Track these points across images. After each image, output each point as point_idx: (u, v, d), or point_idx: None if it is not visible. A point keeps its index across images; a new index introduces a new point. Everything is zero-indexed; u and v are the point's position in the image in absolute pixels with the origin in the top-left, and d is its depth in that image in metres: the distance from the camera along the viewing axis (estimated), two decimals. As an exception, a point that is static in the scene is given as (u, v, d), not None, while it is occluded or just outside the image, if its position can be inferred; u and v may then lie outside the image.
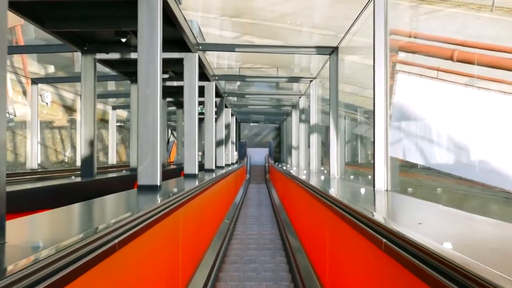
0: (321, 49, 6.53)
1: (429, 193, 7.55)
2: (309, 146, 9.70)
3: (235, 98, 14.51)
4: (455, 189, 7.69)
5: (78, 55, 6.36)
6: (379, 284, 1.99)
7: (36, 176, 7.80)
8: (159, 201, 2.74)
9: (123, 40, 5.48)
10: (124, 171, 9.47)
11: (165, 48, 4.36)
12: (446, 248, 1.30)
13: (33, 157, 9.77)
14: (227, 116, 13.69)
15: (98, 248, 1.54)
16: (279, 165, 16.39)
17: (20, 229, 1.87)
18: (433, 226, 1.97)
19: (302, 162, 11.33)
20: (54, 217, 2.21)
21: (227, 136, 13.73)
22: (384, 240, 1.69)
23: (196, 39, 6.09)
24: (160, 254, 2.77)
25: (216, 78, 8.94)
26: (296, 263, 5.31)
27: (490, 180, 7.21)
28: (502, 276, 1.05)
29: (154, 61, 3.59)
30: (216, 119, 10.15)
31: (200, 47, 6.36)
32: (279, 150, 26.70)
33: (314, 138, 8.91)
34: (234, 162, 18.54)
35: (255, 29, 11.23)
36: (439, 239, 1.39)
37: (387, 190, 3.63)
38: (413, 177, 8.24)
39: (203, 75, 7.93)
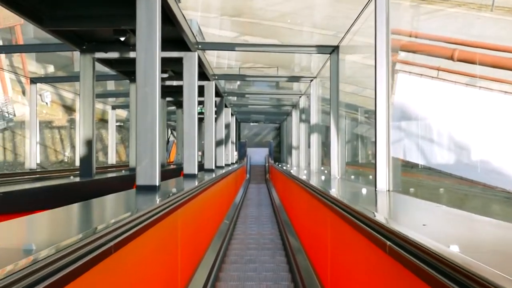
0: (321, 48, 6.49)
1: (430, 193, 7.52)
2: (309, 146, 9.67)
3: (235, 98, 14.47)
4: (456, 189, 7.67)
5: (77, 54, 6.32)
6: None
7: (34, 176, 7.76)
8: (157, 202, 2.70)
9: (122, 39, 5.44)
10: (123, 171, 9.43)
11: (164, 47, 4.32)
12: (453, 251, 1.26)
13: (31, 157, 9.73)
14: (227, 115, 13.65)
15: (92, 251, 1.50)
16: (279, 165, 16.36)
17: (15, 230, 1.83)
18: (437, 228, 1.92)
19: (302, 162, 11.30)
20: (49, 218, 2.17)
21: (227, 136, 13.69)
22: (389, 242, 1.65)
23: (195, 38, 6.05)
24: (158, 255, 2.73)
25: (216, 77, 8.90)
26: (296, 263, 5.29)
27: (491, 180, 7.18)
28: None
29: (153, 60, 3.55)
30: (216, 119, 10.12)
31: (200, 46, 6.32)
32: (279, 150, 26.67)
33: (315, 138, 8.87)
34: (234, 162, 18.50)
35: (255, 29, 11.20)
36: (446, 242, 1.35)
37: (389, 191, 3.59)
38: (413, 177, 8.21)
39: (203, 75, 7.89)
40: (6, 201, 4.24)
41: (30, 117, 10.04)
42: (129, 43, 5.87)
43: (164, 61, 4.69)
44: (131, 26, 5.00)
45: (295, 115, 14.36)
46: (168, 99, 11.43)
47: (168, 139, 21.69)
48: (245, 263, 5.98)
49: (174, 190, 3.44)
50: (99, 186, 6.23)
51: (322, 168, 8.59)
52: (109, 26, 5.28)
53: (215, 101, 9.73)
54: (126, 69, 7.76)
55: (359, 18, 5.09)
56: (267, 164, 24.42)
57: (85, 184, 6.01)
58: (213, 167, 8.65)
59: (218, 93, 10.23)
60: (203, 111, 8.87)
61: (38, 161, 11.04)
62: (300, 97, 12.20)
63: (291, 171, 9.52)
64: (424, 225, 1.80)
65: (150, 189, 3.47)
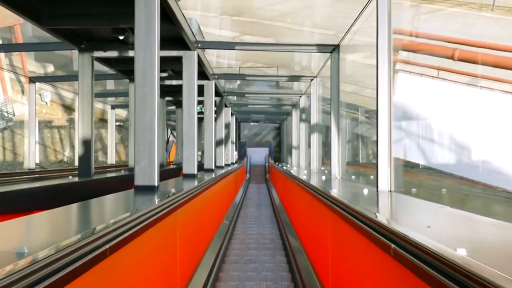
0: (322, 47, 6.46)
1: (431, 193, 7.48)
2: (309, 146, 9.63)
3: (235, 97, 14.43)
4: (457, 189, 7.64)
5: (76, 53, 6.28)
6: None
7: (32, 176, 7.72)
8: (155, 203, 2.66)
9: (121, 37, 5.40)
10: (122, 171, 9.40)
11: (164, 46, 4.28)
12: (461, 254, 1.21)
13: (30, 156, 9.69)
14: (226, 115, 13.61)
15: (87, 254, 1.46)
16: (279, 165, 16.32)
17: (10, 231, 1.79)
18: (442, 230, 1.88)
19: (302, 162, 11.26)
20: (45, 219, 2.13)
21: (227, 136, 13.66)
22: (393, 245, 1.61)
23: (195, 37, 6.01)
24: (156, 257, 2.69)
25: (216, 76, 8.86)
26: (296, 263, 5.26)
27: (492, 180, 7.15)
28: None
29: (151, 59, 3.51)
30: (215, 119, 10.08)
31: (199, 45, 6.27)
32: (279, 149, 26.63)
33: (315, 138, 8.83)
34: (234, 162, 18.46)
35: (255, 28, 11.16)
36: (453, 244, 1.31)
37: (390, 191, 3.55)
38: (414, 177, 8.18)
39: (203, 74, 7.86)
40: (4, 201, 4.21)
41: (28, 117, 9.99)
42: (128, 42, 5.83)
43: (164, 60, 4.66)
44: (130, 25, 4.94)
45: (295, 115, 14.31)
46: (167, 98, 11.39)
47: (168, 139, 21.66)
48: (245, 263, 5.96)
49: (173, 190, 3.40)
50: (98, 186, 6.19)
51: (323, 168, 8.55)
52: (108, 25, 5.24)
53: (215, 101, 9.69)
54: (125, 68, 7.72)
55: (361, 16, 5.05)
56: (267, 164, 24.38)
57: (83, 184, 5.96)
58: (213, 167, 8.61)
59: (218, 93, 10.19)
60: (202, 110, 8.83)
61: (37, 161, 11.00)
62: (300, 96, 12.15)
63: (291, 171, 9.49)
64: (428, 227, 1.76)
65: (149, 190, 3.42)
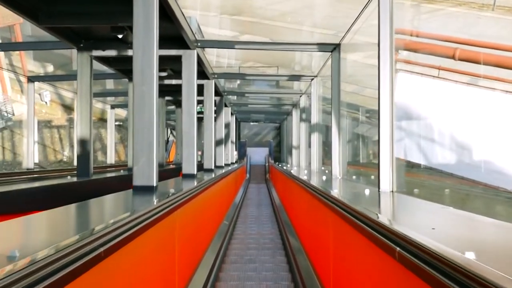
0: (322, 46, 6.42)
1: (432, 193, 7.45)
2: (309, 146, 9.59)
3: (235, 97, 14.39)
4: (458, 189, 7.60)
5: (75, 52, 6.24)
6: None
7: (31, 176, 7.68)
8: (154, 203, 2.62)
9: (120, 36, 5.35)
10: (122, 171, 9.36)
11: (163, 45, 4.24)
12: (470, 257, 1.17)
13: (29, 156, 9.64)
14: (226, 115, 13.57)
15: (83, 256, 1.42)
16: (279, 165, 16.28)
17: (7, 232, 1.75)
18: (447, 232, 1.84)
19: (302, 162, 11.22)
20: (40, 220, 2.09)
21: (227, 136, 13.62)
22: (398, 248, 1.56)
23: (194, 36, 5.97)
24: (153, 258, 2.65)
25: (216, 76, 8.82)
26: (296, 263, 5.24)
27: (493, 180, 7.12)
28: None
29: (150, 57, 3.46)
30: (215, 118, 10.04)
31: (199, 44, 6.23)
32: (279, 149, 26.58)
33: (315, 138, 8.79)
34: (234, 161, 18.43)
35: (255, 28, 11.12)
36: (461, 248, 1.27)
37: (392, 191, 3.51)
38: (415, 177, 8.15)
39: (202, 73, 7.82)
40: (3, 201, 4.17)
41: (27, 116, 9.95)
42: (127, 41, 5.78)
43: (163, 59, 4.61)
44: (129, 23, 4.91)
45: (295, 115, 14.27)
46: (167, 98, 11.35)
47: (168, 138, 21.62)
48: (245, 262, 5.94)
49: (172, 190, 3.36)
50: (97, 186, 6.15)
51: (323, 168, 8.52)
52: (106, 23, 5.19)
53: (215, 100, 9.65)
54: (124, 68, 7.67)
55: (360, 17, 5.02)
56: (267, 164, 24.34)
57: (82, 184, 5.92)
58: (213, 167, 8.57)
59: (217, 92, 10.15)
60: (202, 110, 8.79)
61: (36, 161, 10.96)
62: (300, 96, 12.11)
63: (292, 171, 9.45)
64: (433, 228, 1.72)
65: (147, 190, 3.38)
